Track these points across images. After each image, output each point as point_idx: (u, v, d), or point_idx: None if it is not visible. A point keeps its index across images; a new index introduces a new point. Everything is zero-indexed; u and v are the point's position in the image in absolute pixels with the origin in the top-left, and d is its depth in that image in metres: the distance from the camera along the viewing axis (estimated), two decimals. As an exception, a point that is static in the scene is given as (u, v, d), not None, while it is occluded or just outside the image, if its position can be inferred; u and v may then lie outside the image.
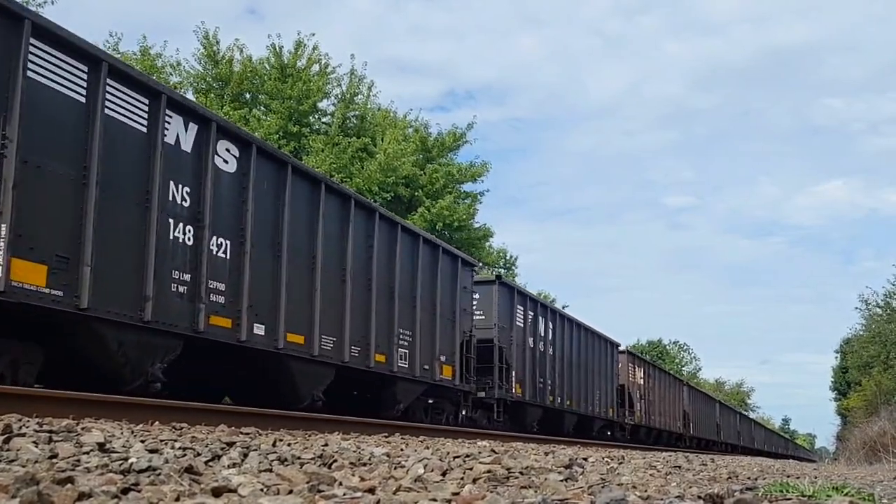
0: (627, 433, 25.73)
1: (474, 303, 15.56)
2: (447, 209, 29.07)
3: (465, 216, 30.80)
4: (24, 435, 3.92)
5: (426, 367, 13.00)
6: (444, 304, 13.79)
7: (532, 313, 18.03)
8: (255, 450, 4.22)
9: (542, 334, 18.66)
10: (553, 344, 19.28)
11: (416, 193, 29.42)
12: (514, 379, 16.54)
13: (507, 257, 38.63)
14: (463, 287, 14.57)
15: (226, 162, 8.88)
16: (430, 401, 13.84)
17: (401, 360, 12.21)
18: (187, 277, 8.21)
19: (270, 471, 3.45)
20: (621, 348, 25.81)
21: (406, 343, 12.43)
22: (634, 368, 26.95)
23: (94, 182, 7.12)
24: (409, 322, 12.55)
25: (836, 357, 63.11)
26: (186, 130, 8.32)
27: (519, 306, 17.23)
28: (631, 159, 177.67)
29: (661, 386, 30.17)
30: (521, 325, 17.32)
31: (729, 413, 45.83)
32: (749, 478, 6.69)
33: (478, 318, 15.83)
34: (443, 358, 13.57)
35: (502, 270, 35.19)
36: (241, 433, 5.85)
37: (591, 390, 21.96)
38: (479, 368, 15.31)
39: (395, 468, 4.02)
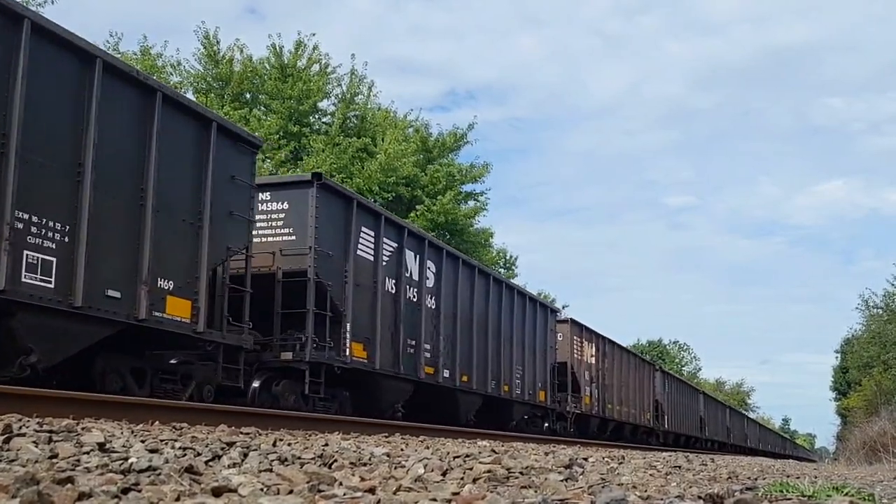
0: (570, 424, 20.34)
1: (278, 214, 10.84)
2: (448, 203, 29.14)
3: (467, 216, 30.92)
4: (24, 435, 3.93)
5: (95, 287, 7.40)
6: (166, 188, 8.29)
7: (394, 244, 12.48)
8: (256, 450, 4.22)
9: (416, 277, 13.05)
10: (437, 294, 13.71)
11: (417, 193, 29.45)
12: (348, 335, 11.05)
13: (508, 257, 38.69)
14: (226, 174, 9.20)
15: None
16: (173, 360, 9.04)
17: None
18: None
19: (271, 471, 3.45)
20: (562, 316, 21.09)
21: None
22: (582, 343, 21.47)
23: None
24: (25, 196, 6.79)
25: (837, 357, 63.17)
26: None
27: (366, 230, 11.72)
28: (631, 159, 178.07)
29: (624, 368, 25.05)
30: (371, 257, 11.79)
31: (716, 407, 41.68)
32: (749, 478, 6.69)
33: (280, 237, 10.79)
34: (167, 284, 8.28)
35: (502, 270, 35.17)
36: (242, 433, 5.86)
37: (507, 365, 16.58)
38: (286, 316, 10.44)
39: (396, 468, 4.02)
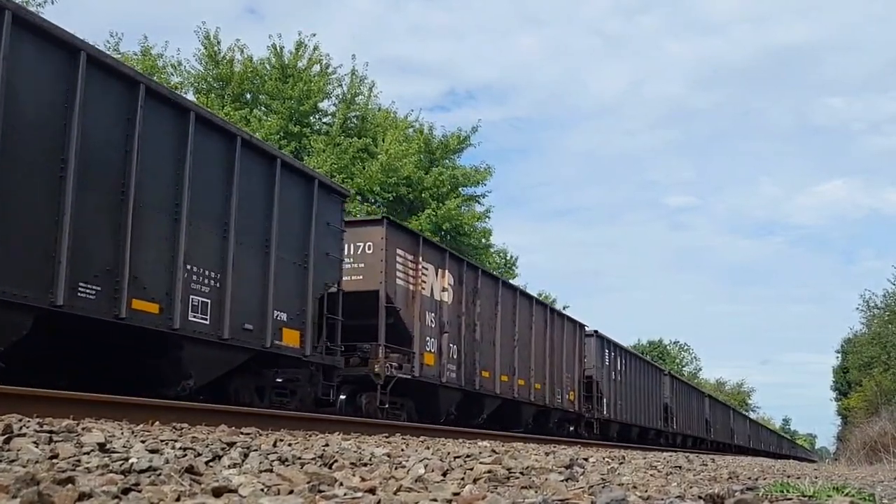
0: (382, 397, 11.59)
1: None
2: (454, 209, 29.20)
3: (471, 223, 31.06)
4: (24, 435, 3.93)
5: None
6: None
7: None
8: (256, 450, 4.22)
9: None
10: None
11: (423, 195, 29.54)
12: None
13: (508, 257, 38.70)
14: None
15: None
16: None
17: None
18: None
19: (271, 471, 3.45)
20: (376, 216, 13.65)
21: None
22: (417, 264, 12.76)
23: None
24: None
25: (838, 357, 63.26)
26: None
27: None
28: (631, 159, 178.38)
29: (520, 321, 16.38)
30: None
31: (690, 394, 33.22)
32: (749, 478, 6.69)
33: None
34: None
35: (502, 271, 35.20)
36: (242, 433, 5.86)
37: (151, 256, 7.76)
38: None
39: (396, 468, 4.02)
